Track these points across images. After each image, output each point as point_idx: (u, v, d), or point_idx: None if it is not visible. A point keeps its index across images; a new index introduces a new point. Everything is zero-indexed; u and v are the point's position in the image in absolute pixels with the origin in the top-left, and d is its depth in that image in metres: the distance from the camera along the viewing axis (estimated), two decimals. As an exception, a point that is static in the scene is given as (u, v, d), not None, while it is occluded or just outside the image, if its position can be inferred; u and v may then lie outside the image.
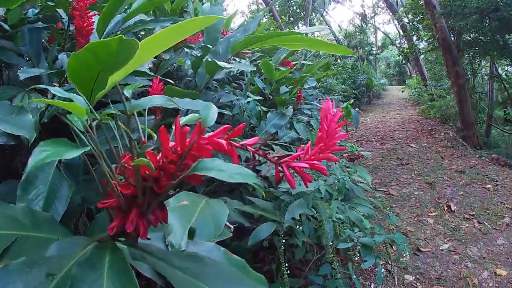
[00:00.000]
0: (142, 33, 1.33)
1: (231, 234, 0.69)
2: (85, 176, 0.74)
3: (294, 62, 2.33)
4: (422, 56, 9.19)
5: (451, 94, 6.60)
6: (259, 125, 1.56)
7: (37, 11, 1.03)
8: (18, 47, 0.93)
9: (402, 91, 11.39)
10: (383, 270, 1.96)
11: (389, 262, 2.08)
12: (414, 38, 7.80)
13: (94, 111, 0.45)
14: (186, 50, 1.48)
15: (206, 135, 0.38)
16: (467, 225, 2.69)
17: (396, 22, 12.85)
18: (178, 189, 0.41)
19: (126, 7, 1.13)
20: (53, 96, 0.83)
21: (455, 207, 2.99)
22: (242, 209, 1.06)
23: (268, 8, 7.35)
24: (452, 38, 5.68)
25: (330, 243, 1.25)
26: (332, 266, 1.28)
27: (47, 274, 0.35)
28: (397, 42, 16.94)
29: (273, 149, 1.47)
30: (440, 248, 2.35)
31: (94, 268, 0.35)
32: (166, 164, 0.37)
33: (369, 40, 19.44)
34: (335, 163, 1.55)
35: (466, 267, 2.12)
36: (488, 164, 4.25)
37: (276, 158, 0.39)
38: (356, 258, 1.35)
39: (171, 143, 0.39)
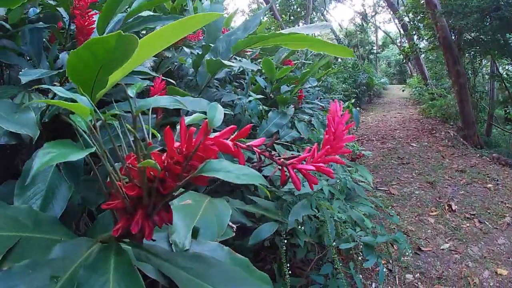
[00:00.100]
0: (144, 32, 1.32)
1: (234, 234, 0.69)
2: (86, 176, 0.73)
3: (295, 62, 2.33)
4: (422, 55, 9.19)
5: (452, 93, 6.59)
6: (261, 124, 1.55)
7: (38, 10, 1.03)
8: (19, 46, 0.93)
9: (403, 90, 11.39)
10: (384, 269, 1.96)
11: (390, 261, 2.08)
12: (415, 37, 7.79)
13: (98, 111, 0.45)
14: (186, 49, 1.47)
15: (212, 136, 0.37)
16: (468, 224, 2.69)
17: (396, 21, 12.87)
18: (184, 190, 0.41)
19: (126, 7, 1.12)
20: (54, 95, 0.82)
21: (456, 207, 2.99)
22: (244, 208, 1.05)
23: (268, 6, 7.33)
24: (453, 37, 5.67)
25: (333, 243, 1.24)
26: (334, 265, 1.28)
27: (51, 277, 0.34)
28: (397, 41, 16.91)
29: (274, 149, 1.46)
30: (441, 248, 2.34)
31: (99, 272, 0.34)
32: (171, 165, 0.36)
33: (370, 39, 19.45)
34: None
35: (467, 267, 2.12)
36: (489, 163, 4.25)
37: (282, 159, 0.38)
38: (360, 258, 1.35)
39: (176, 144, 0.38)
